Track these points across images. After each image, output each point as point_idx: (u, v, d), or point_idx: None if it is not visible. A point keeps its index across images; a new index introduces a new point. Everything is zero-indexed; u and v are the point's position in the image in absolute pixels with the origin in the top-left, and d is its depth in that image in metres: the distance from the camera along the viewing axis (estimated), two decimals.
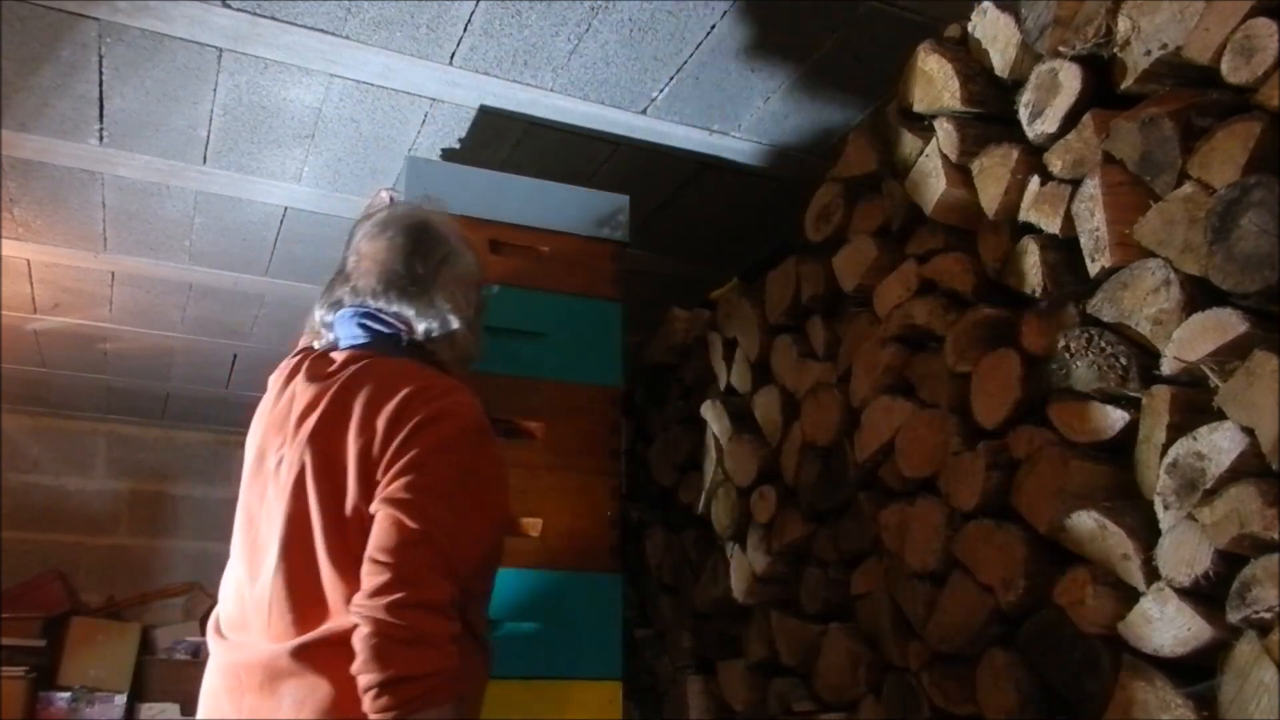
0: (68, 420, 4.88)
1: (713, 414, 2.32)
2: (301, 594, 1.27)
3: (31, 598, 4.43)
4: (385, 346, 1.45)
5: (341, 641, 1.21)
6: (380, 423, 1.31)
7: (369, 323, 1.46)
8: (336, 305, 1.49)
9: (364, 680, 1.17)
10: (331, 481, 1.30)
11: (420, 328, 1.46)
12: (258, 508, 1.38)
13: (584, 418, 2.09)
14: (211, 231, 2.92)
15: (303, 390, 1.41)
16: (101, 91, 2.25)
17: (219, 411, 4.66)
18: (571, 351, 2.10)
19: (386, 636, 1.16)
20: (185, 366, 4.13)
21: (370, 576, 1.21)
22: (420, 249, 1.50)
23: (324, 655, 1.23)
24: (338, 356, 1.45)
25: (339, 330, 1.48)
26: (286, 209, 2.78)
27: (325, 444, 1.33)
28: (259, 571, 1.33)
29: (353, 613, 1.21)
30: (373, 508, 1.27)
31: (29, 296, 3.40)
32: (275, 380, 1.51)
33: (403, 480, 1.26)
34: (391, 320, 1.46)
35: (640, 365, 2.77)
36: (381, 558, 1.21)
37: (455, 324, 1.49)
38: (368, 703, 1.16)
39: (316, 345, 1.53)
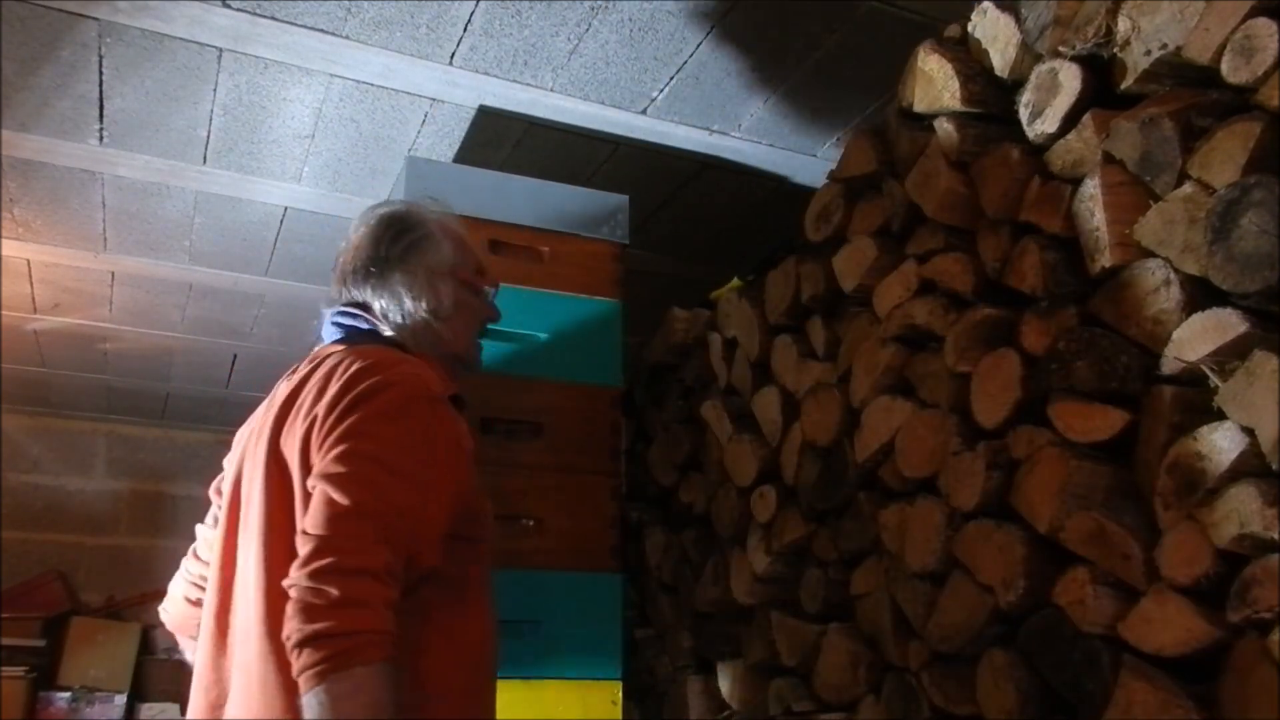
0: (68, 420, 4.88)
1: (713, 414, 2.32)
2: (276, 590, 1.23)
3: (31, 598, 4.43)
4: (357, 340, 1.43)
5: None
6: (321, 407, 1.27)
7: (342, 319, 1.45)
8: (329, 304, 1.50)
9: (289, 643, 1.12)
10: (285, 482, 1.28)
11: (375, 307, 1.44)
12: (237, 529, 1.35)
13: (584, 418, 2.09)
14: (211, 231, 2.92)
15: (276, 397, 1.40)
16: (101, 91, 2.25)
17: (219, 411, 4.66)
18: (571, 351, 2.10)
19: (310, 602, 1.11)
20: (185, 366, 4.14)
21: (300, 549, 1.16)
22: (390, 233, 1.48)
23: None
24: (315, 354, 1.44)
25: (322, 330, 1.48)
26: (286, 209, 2.78)
27: (275, 444, 1.31)
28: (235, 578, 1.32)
29: (285, 587, 1.16)
30: (309, 483, 1.22)
31: (29, 296, 3.40)
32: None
33: (336, 451, 1.21)
34: (359, 312, 1.45)
35: (640, 365, 2.77)
36: (311, 530, 1.17)
37: (415, 310, 1.44)
38: (294, 665, 1.11)
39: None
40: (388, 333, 1.44)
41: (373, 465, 1.20)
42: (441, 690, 1.24)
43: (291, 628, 1.11)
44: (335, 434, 1.23)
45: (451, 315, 1.47)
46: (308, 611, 1.11)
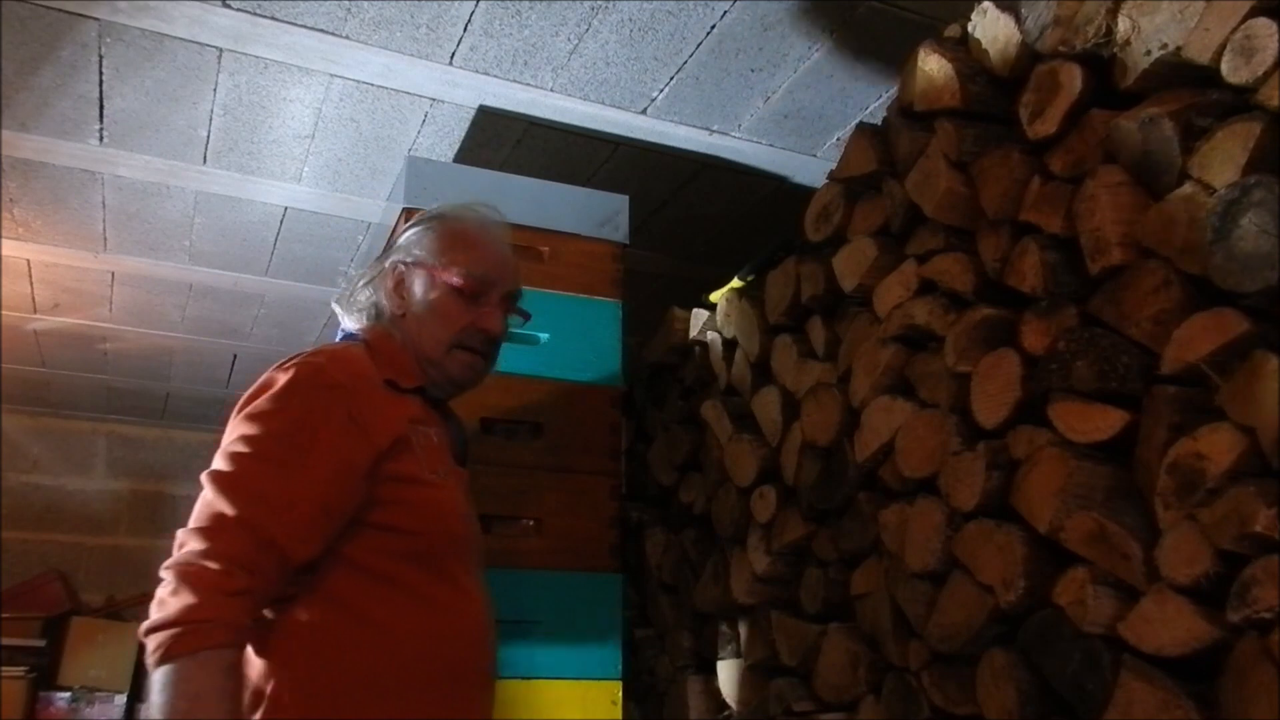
0: (68, 420, 4.88)
1: (713, 414, 2.32)
2: None
3: (31, 598, 4.43)
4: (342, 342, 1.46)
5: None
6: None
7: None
8: None
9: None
10: None
11: (358, 299, 1.45)
12: None
13: (584, 418, 2.09)
14: (211, 231, 2.92)
15: None
16: (101, 91, 2.25)
17: (219, 411, 4.66)
18: (571, 351, 2.10)
19: (157, 595, 1.12)
20: (185, 366, 4.14)
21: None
22: (402, 228, 1.52)
23: None
24: None
25: None
26: (286, 209, 2.78)
27: None
28: None
29: None
30: None
31: (29, 296, 3.40)
32: None
33: (218, 451, 1.23)
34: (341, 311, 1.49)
35: (640, 365, 2.77)
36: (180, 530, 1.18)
37: (373, 296, 1.42)
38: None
39: None
40: (354, 328, 1.44)
41: (240, 457, 1.19)
42: (356, 684, 1.19)
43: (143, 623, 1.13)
44: (224, 436, 1.25)
45: (421, 314, 1.40)
46: (154, 604, 1.12)
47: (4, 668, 4.08)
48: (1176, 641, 1.18)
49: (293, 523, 1.17)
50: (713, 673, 2.26)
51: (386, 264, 1.45)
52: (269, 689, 1.18)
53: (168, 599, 1.11)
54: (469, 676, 1.30)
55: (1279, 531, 1.09)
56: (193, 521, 1.17)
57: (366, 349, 1.37)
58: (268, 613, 1.21)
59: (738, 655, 2.17)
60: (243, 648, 1.14)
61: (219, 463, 1.21)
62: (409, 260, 1.44)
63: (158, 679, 1.07)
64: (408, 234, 1.48)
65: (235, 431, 1.24)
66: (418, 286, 1.42)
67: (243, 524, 1.14)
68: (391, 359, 1.37)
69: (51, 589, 4.49)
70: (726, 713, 2.20)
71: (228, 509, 1.15)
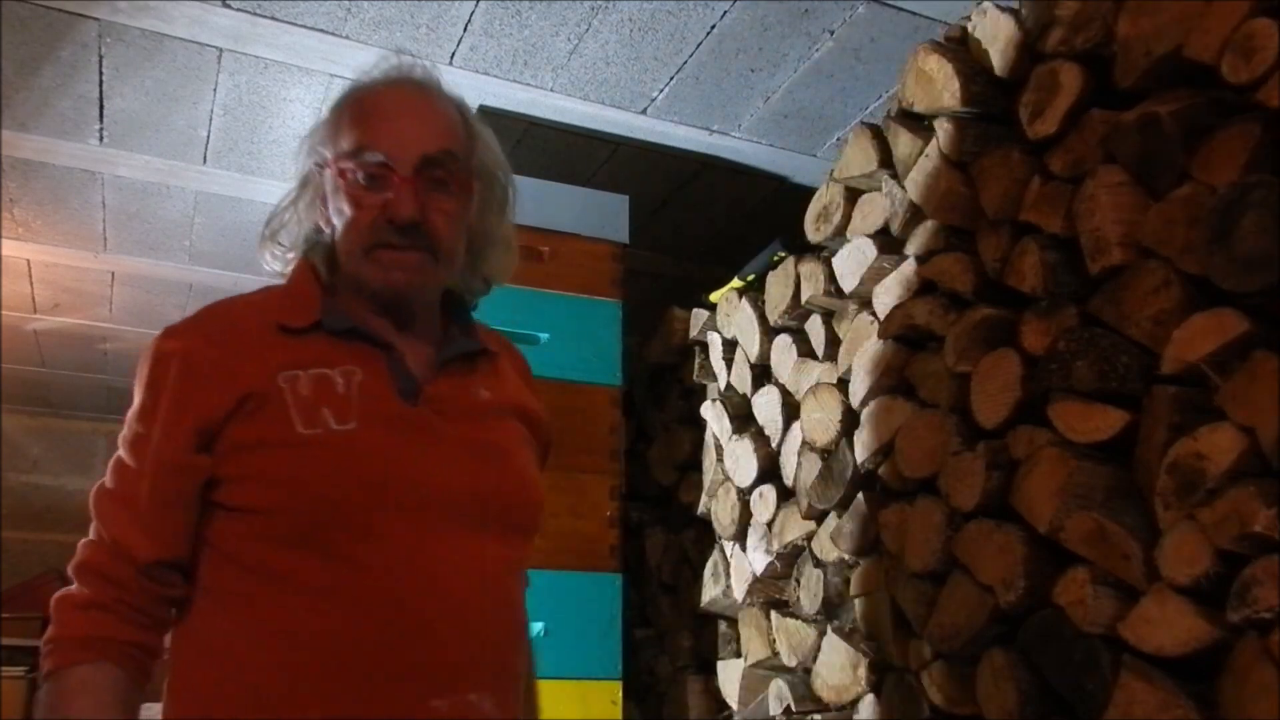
0: (68, 420, 4.88)
1: (713, 414, 2.32)
2: None
3: (31, 598, 4.42)
4: None
5: None
6: None
7: None
8: None
9: None
10: None
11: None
12: None
13: (584, 418, 2.09)
14: (211, 231, 2.92)
15: None
16: (101, 91, 2.25)
17: None
18: (571, 351, 2.10)
19: None
20: None
21: None
22: None
23: None
24: None
25: None
26: None
27: None
28: None
29: None
30: None
31: (29, 296, 3.40)
32: None
33: None
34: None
35: (640, 365, 2.77)
36: None
37: (306, 232, 1.18)
38: None
39: None
40: (279, 268, 1.22)
41: (114, 456, 1.10)
42: (230, 691, 1.02)
43: None
44: None
45: (337, 224, 1.12)
46: None
47: (4, 668, 4.08)
48: (1176, 641, 1.18)
49: (130, 521, 1.05)
50: (713, 673, 2.26)
51: (299, 176, 1.18)
52: (165, 691, 1.09)
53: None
54: (386, 672, 1.00)
55: (1279, 531, 1.09)
56: None
57: (273, 291, 1.18)
58: (175, 611, 1.09)
59: (738, 655, 2.17)
60: (112, 659, 1.03)
61: None
62: (318, 163, 1.15)
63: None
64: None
65: None
66: (329, 190, 1.13)
67: (97, 531, 1.07)
68: (288, 296, 1.15)
69: (51, 589, 4.41)
70: (726, 713, 2.20)
71: (92, 518, 1.08)
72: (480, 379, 1.17)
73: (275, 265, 1.21)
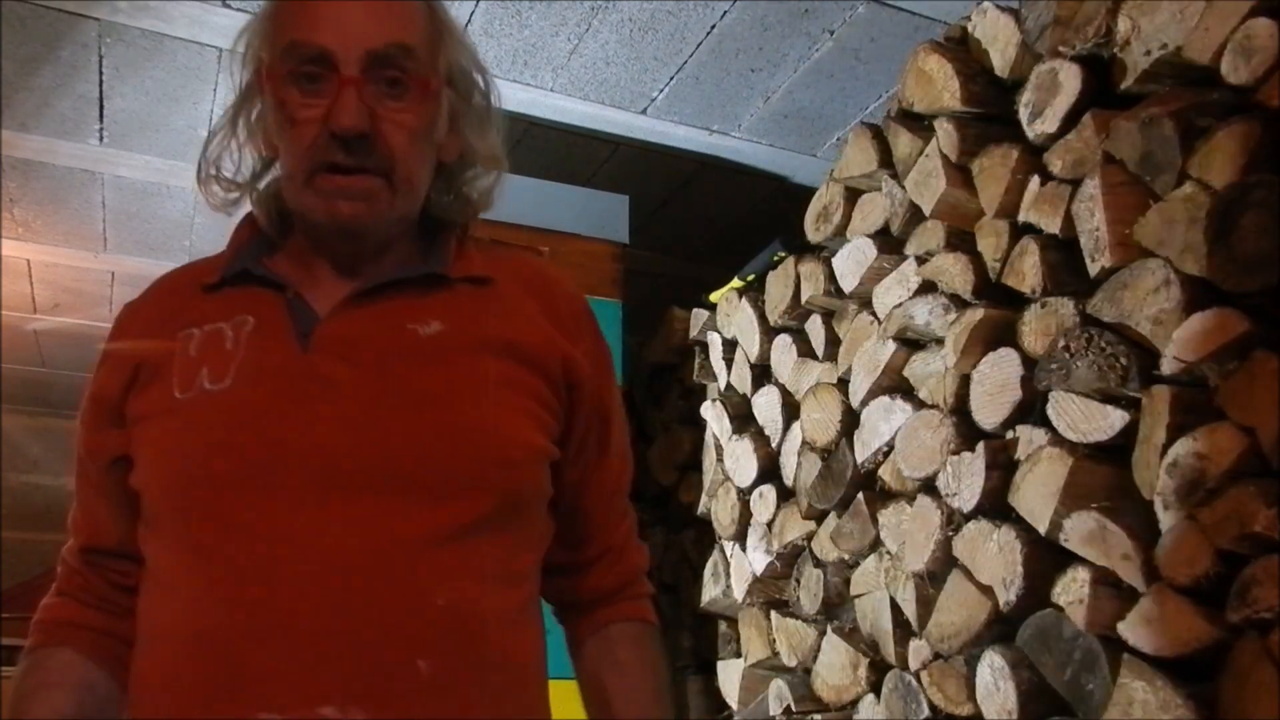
0: (68, 420, 4.85)
1: (713, 414, 2.32)
2: None
3: (31, 598, 4.41)
4: None
5: None
6: None
7: None
8: None
9: None
10: None
11: None
12: None
13: None
14: (211, 231, 2.92)
15: None
16: (101, 91, 2.25)
17: None
18: None
19: None
20: None
21: None
22: None
23: None
24: None
25: None
26: None
27: None
28: None
29: None
30: None
31: (29, 296, 3.40)
32: None
33: None
34: None
35: (640, 365, 2.77)
36: None
37: (252, 166, 1.00)
38: None
39: None
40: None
41: None
42: (135, 688, 0.91)
43: None
44: None
45: (278, 146, 0.93)
46: None
47: (4, 668, 4.07)
48: (1176, 641, 1.18)
49: (74, 509, 1.00)
50: (712, 673, 2.26)
51: (237, 90, 0.97)
52: None
53: None
54: (212, 680, 0.82)
55: (1279, 531, 1.09)
56: None
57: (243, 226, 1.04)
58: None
59: (737, 655, 2.17)
60: (71, 643, 0.96)
61: None
62: (258, 70, 0.94)
63: None
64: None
65: None
66: (269, 105, 0.93)
67: (70, 519, 1.02)
68: (227, 249, 1.02)
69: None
70: (726, 713, 2.20)
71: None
72: (432, 311, 0.93)
73: (219, 207, 1.03)
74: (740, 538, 2.16)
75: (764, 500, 2.08)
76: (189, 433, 0.88)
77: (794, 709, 1.91)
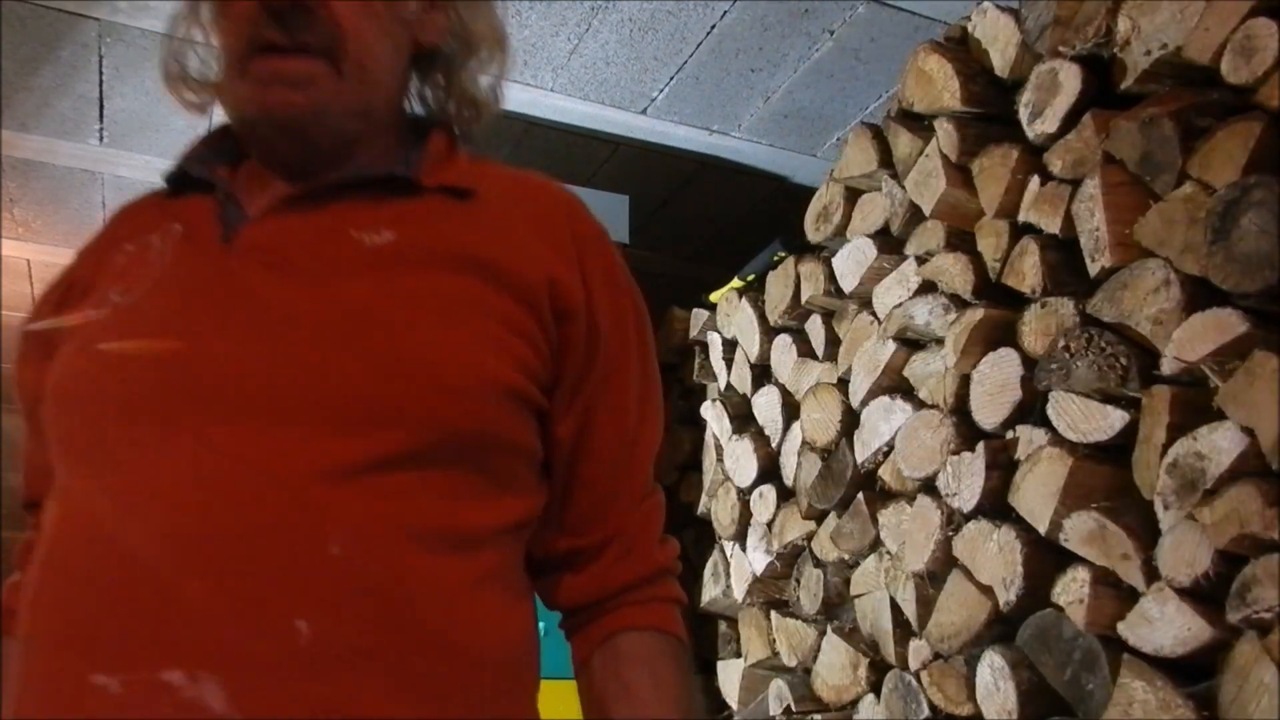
0: None
1: (713, 414, 2.32)
2: None
3: None
4: None
5: None
6: None
7: None
8: None
9: None
10: None
11: None
12: None
13: None
14: None
15: None
16: (101, 91, 2.25)
17: None
18: None
19: None
20: None
21: None
22: None
23: None
24: None
25: None
26: None
27: None
28: None
29: None
30: None
31: (29, 296, 3.40)
32: None
33: None
34: None
35: None
36: None
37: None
38: None
39: None
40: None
41: None
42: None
43: None
44: None
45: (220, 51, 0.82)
46: None
47: None
48: (1176, 641, 1.18)
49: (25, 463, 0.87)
50: (712, 673, 2.26)
51: None
52: None
53: None
54: (53, 636, 0.69)
55: (1279, 531, 1.09)
56: None
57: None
58: None
59: (737, 655, 2.17)
60: (10, 631, 0.80)
61: None
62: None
63: None
64: None
65: None
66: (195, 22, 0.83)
67: None
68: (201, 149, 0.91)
69: None
70: (726, 713, 2.20)
71: None
72: (385, 218, 0.78)
73: (190, 109, 0.91)
74: (740, 538, 2.16)
75: (764, 500, 2.08)
76: (79, 354, 0.75)
77: (794, 709, 1.91)
